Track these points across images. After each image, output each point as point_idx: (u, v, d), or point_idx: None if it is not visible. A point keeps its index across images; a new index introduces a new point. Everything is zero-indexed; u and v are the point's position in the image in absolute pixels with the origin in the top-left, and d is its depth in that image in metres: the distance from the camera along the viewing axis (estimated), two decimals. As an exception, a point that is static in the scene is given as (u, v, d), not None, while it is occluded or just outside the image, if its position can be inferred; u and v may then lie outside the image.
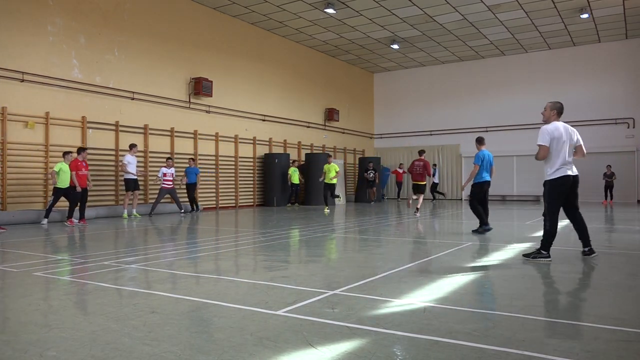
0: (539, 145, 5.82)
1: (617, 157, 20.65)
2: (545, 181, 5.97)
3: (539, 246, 6.11)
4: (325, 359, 2.70)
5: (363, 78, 25.75)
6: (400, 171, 23.92)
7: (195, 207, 14.75)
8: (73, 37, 12.84)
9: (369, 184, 21.23)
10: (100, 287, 4.55)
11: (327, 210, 15.55)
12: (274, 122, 19.48)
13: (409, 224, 11.25)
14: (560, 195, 5.96)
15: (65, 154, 11.09)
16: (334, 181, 16.04)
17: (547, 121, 5.97)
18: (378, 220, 12.18)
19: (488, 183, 9.13)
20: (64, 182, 10.84)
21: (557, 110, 5.94)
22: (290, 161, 19.18)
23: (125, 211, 12.79)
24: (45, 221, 10.99)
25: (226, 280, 4.87)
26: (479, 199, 8.98)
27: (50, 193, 12.18)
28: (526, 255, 6.11)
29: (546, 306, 3.77)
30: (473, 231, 8.94)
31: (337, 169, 16.12)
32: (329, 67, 22.93)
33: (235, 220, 12.43)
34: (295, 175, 18.46)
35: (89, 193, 11.75)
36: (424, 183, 13.04)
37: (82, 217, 11.25)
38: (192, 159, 15.15)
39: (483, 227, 8.87)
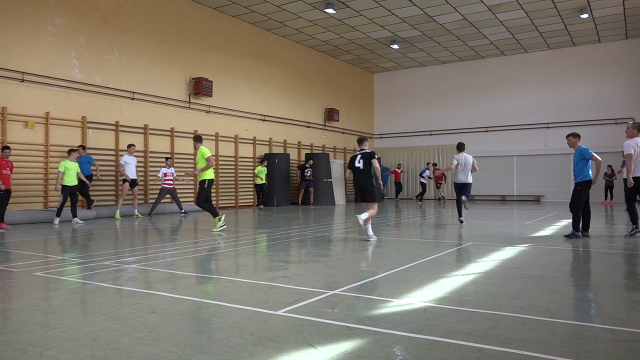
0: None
1: (617, 157, 20.62)
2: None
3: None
4: (325, 359, 2.70)
5: (363, 78, 25.75)
6: (399, 171, 23.90)
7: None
8: (73, 37, 12.84)
9: (307, 184, 18.90)
10: (100, 287, 4.55)
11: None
12: (274, 122, 19.48)
13: (409, 224, 11.25)
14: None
15: (70, 151, 11.33)
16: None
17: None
18: (378, 220, 12.18)
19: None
20: (72, 179, 11.02)
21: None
22: (258, 160, 18.21)
23: (118, 212, 12.70)
24: (57, 220, 11.04)
25: (226, 280, 4.87)
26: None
27: (51, 193, 12.21)
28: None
29: (546, 306, 3.77)
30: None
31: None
32: (329, 67, 22.93)
33: (235, 221, 12.43)
34: (262, 176, 17.32)
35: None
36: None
37: (1, 219, 10.18)
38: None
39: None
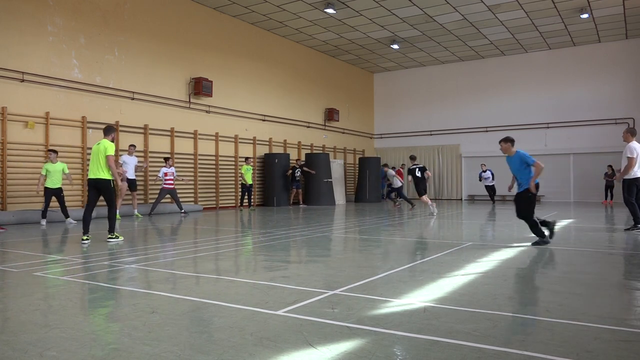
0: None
1: (617, 157, 20.59)
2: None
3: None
4: (325, 359, 2.70)
5: (363, 78, 25.75)
6: (402, 171, 23.82)
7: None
8: (73, 37, 12.85)
9: (297, 184, 18.65)
10: (100, 287, 4.55)
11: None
12: (274, 122, 19.48)
13: (409, 224, 11.25)
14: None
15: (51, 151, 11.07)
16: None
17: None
18: (378, 220, 12.18)
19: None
20: (54, 182, 10.87)
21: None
22: (243, 159, 17.31)
23: (117, 212, 12.57)
24: (43, 222, 10.97)
25: (226, 280, 4.87)
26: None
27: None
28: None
29: (546, 306, 3.77)
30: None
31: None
32: (329, 67, 22.93)
33: (235, 221, 12.43)
34: (248, 175, 16.23)
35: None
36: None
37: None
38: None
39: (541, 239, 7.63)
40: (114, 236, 7.93)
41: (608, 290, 4.42)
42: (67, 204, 11.45)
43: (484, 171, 19.75)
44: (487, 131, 23.50)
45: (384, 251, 6.95)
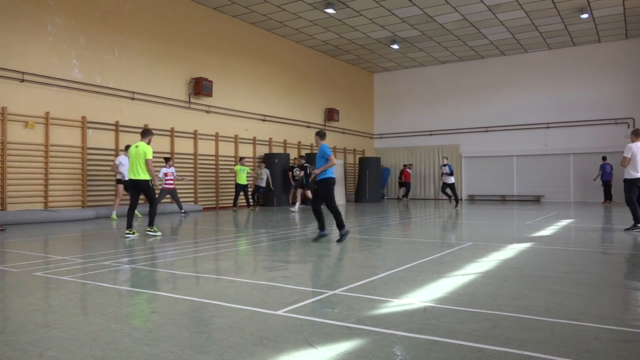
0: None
1: (617, 157, 20.61)
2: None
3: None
4: (325, 359, 2.70)
5: (363, 78, 25.75)
6: (409, 171, 23.78)
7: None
8: (73, 37, 12.85)
9: (296, 184, 17.57)
10: (100, 287, 4.55)
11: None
12: (274, 122, 19.48)
13: (409, 224, 11.24)
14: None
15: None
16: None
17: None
18: (378, 220, 12.18)
19: (333, 180, 8.26)
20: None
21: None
22: (238, 158, 16.98)
23: (114, 213, 12.53)
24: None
25: (226, 280, 4.87)
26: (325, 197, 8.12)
27: (51, 193, 12.22)
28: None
29: (546, 306, 3.77)
30: (313, 240, 7.96)
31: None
32: (329, 67, 22.93)
33: (235, 221, 12.42)
34: (242, 175, 15.71)
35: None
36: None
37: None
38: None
39: (320, 231, 8.01)
40: (152, 230, 8.67)
41: (608, 290, 4.42)
42: (67, 203, 11.43)
43: (444, 165, 17.10)
44: (487, 131, 23.50)
45: (384, 251, 6.95)
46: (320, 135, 8.24)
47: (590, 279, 4.88)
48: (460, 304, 3.84)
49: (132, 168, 8.56)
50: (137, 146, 8.62)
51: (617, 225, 10.37)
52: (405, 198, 23.92)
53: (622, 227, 9.86)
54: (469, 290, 4.39)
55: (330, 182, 8.01)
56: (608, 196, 19.19)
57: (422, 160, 25.04)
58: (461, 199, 23.76)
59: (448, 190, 17.35)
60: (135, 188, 8.64)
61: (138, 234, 8.60)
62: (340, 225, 7.72)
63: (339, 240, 7.69)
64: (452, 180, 17.05)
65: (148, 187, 8.65)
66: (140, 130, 14.28)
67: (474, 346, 2.87)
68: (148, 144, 8.71)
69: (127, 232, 8.47)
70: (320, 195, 8.01)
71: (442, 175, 17.44)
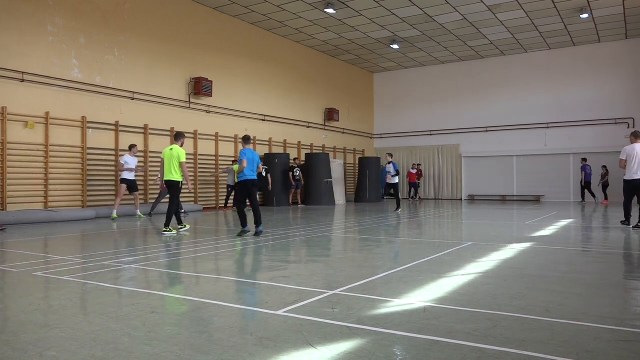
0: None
1: (617, 157, 20.64)
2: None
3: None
4: (325, 359, 2.70)
5: (363, 78, 25.75)
6: (414, 172, 23.64)
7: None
8: (73, 37, 12.84)
9: (296, 184, 18.56)
10: (100, 287, 4.55)
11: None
12: (274, 122, 19.48)
13: (410, 224, 11.24)
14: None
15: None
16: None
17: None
18: (378, 220, 12.18)
19: (251, 181, 8.70)
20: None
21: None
22: (232, 160, 16.86)
23: (114, 212, 12.43)
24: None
25: (226, 280, 4.87)
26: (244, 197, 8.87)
27: (51, 193, 12.21)
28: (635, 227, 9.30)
29: (546, 306, 3.77)
30: (238, 234, 8.66)
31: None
32: (329, 67, 22.93)
33: (235, 221, 12.42)
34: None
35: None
36: None
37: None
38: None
39: (242, 229, 8.73)
40: (168, 230, 8.97)
41: (608, 290, 4.42)
42: (67, 203, 11.43)
43: (389, 163, 15.31)
44: (487, 131, 23.51)
45: (384, 251, 6.95)
46: (244, 140, 8.99)
47: (590, 279, 4.88)
48: (460, 304, 3.84)
49: (167, 169, 9.11)
50: (171, 149, 9.11)
51: (617, 226, 10.37)
52: (412, 199, 23.82)
53: (622, 226, 9.88)
54: (469, 290, 4.39)
55: (247, 183, 8.69)
56: (583, 196, 19.99)
57: (422, 160, 25.03)
58: (461, 199, 23.73)
59: (392, 192, 15.32)
60: (168, 187, 9.22)
61: (176, 231, 9.07)
62: (257, 221, 8.69)
63: (255, 234, 8.59)
64: (396, 180, 15.05)
65: (178, 187, 9.18)
66: (140, 130, 14.40)
67: (474, 346, 2.87)
68: (181, 146, 9.22)
69: (171, 228, 9.02)
70: (238, 197, 8.99)
71: (385, 175, 15.55)
